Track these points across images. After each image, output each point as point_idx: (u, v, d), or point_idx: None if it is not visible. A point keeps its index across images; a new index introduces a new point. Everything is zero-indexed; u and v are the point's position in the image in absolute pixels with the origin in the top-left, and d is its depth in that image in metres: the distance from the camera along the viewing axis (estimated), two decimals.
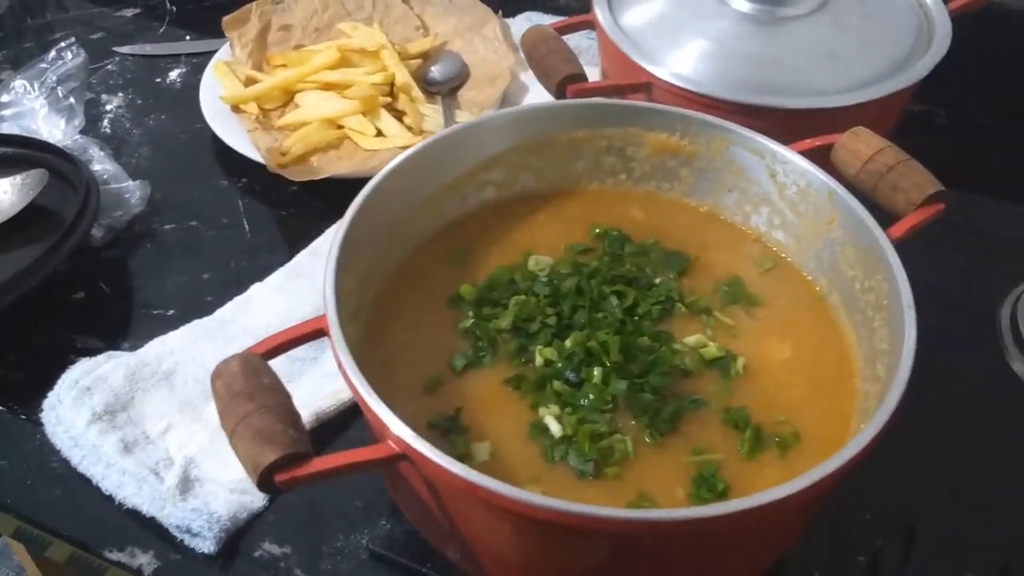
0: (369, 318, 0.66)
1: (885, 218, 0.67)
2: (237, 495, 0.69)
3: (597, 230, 0.74)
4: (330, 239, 0.62)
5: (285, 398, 0.52)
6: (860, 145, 0.69)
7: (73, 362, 0.78)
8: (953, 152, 1.04)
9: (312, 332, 0.57)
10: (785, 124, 0.77)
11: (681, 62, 0.80)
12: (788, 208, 0.71)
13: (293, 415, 0.51)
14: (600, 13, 0.84)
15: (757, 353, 0.66)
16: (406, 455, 0.51)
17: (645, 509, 0.54)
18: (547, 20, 1.17)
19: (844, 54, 0.80)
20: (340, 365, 0.54)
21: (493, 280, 0.69)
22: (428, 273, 0.70)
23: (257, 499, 0.69)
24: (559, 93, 0.79)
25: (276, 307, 0.83)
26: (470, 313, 0.67)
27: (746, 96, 0.77)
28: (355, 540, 0.68)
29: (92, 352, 0.80)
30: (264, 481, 0.49)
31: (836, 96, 0.77)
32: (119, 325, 0.85)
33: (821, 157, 0.71)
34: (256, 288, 0.86)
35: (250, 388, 0.51)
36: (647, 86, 0.80)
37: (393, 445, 0.51)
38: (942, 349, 0.74)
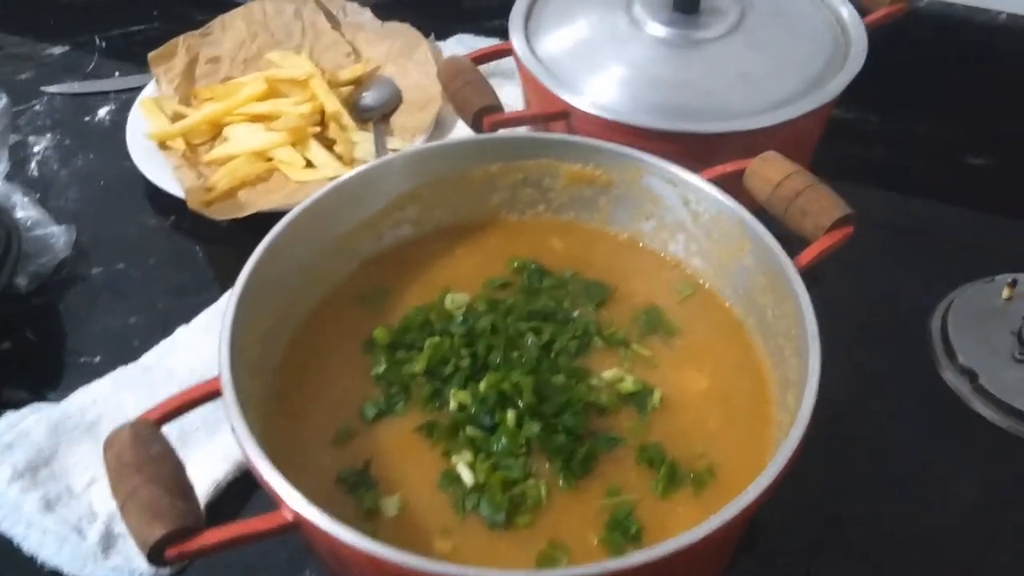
0: (278, 367, 0.65)
1: (800, 243, 0.66)
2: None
3: (516, 263, 0.73)
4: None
5: (175, 468, 0.50)
6: (769, 170, 0.68)
7: None
8: (886, 158, 1.04)
9: (207, 394, 0.55)
10: (702, 148, 0.76)
11: (598, 89, 0.79)
12: (703, 235, 0.70)
13: (183, 486, 0.50)
14: (516, 41, 0.83)
15: (675, 384, 0.65)
16: (298, 524, 0.49)
17: (541, 572, 0.52)
18: (479, 42, 1.15)
19: (759, 75, 0.78)
20: (233, 431, 0.52)
21: (407, 322, 0.68)
22: (342, 317, 0.69)
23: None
24: (475, 125, 0.77)
25: (201, 351, 0.81)
26: (383, 358, 0.66)
27: (662, 122, 0.76)
28: None
29: (18, 404, 0.78)
30: (154, 556, 0.48)
31: (751, 118, 0.76)
32: (45, 375, 0.83)
33: (735, 183, 0.70)
34: (181, 331, 0.84)
35: (138, 459, 0.50)
36: (565, 114, 0.78)
37: (286, 514, 0.49)
38: (874, 359, 0.74)
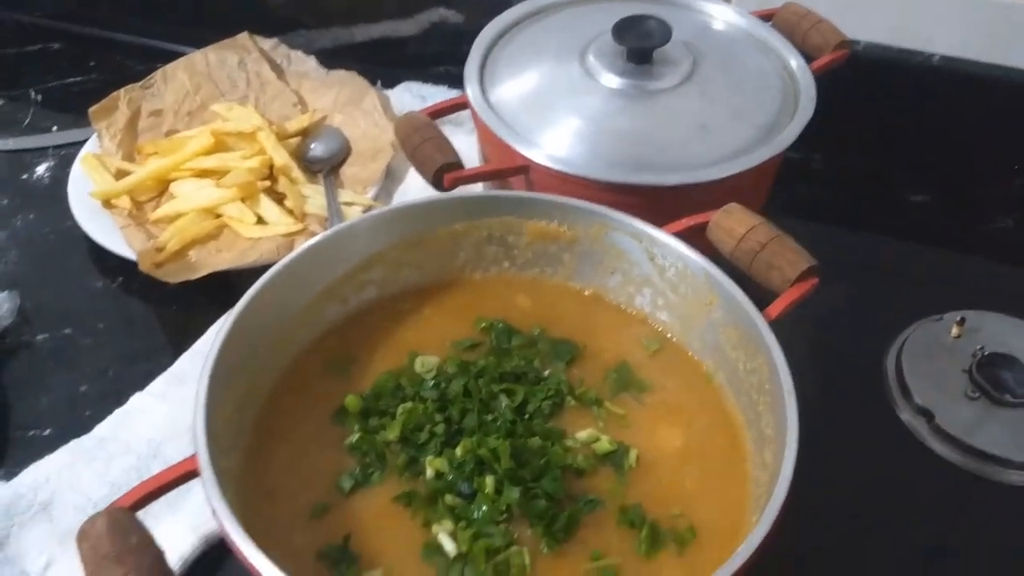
0: (250, 442, 0.64)
1: (766, 294, 0.67)
2: None
3: (483, 323, 0.73)
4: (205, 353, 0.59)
5: (155, 558, 0.49)
6: (733, 223, 0.69)
7: None
8: (831, 196, 1.07)
9: (183, 475, 0.54)
10: (661, 200, 0.78)
11: (556, 142, 0.80)
12: (669, 289, 0.71)
13: (165, 575, 0.48)
14: (472, 93, 0.84)
15: (649, 442, 0.66)
16: None
17: None
18: (427, 90, 1.16)
19: (714, 125, 0.80)
20: (214, 513, 0.51)
21: (378, 388, 0.67)
22: (310, 387, 0.68)
23: None
24: (436, 183, 0.78)
25: (157, 420, 0.80)
26: (356, 427, 0.65)
27: (620, 175, 0.77)
28: None
29: None
30: None
31: (708, 169, 0.77)
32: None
33: (699, 234, 0.71)
34: (136, 399, 0.83)
35: (117, 550, 0.49)
36: (524, 168, 0.79)
37: None
38: (830, 400, 0.76)
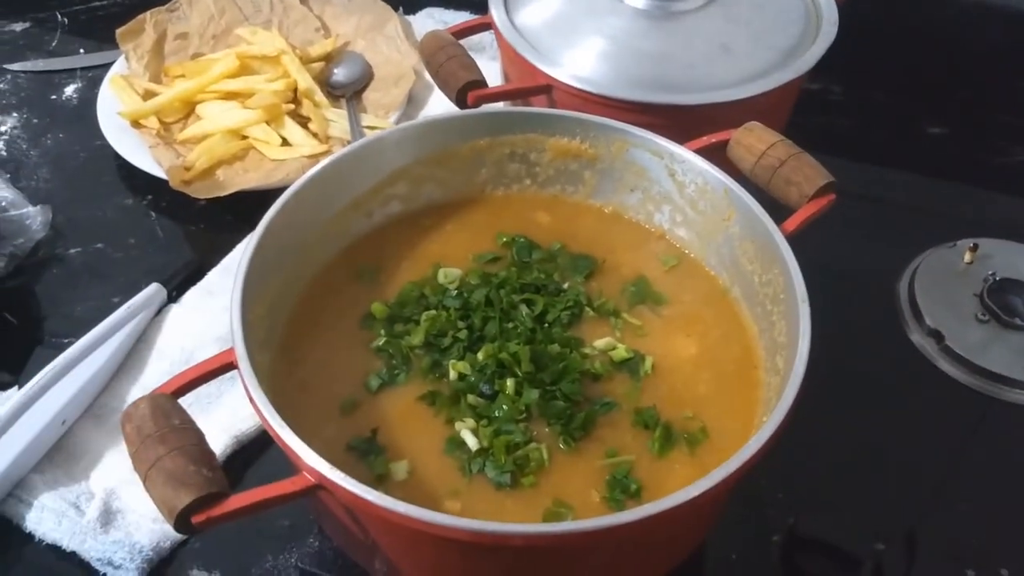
0: (281, 342, 0.67)
1: (783, 211, 0.69)
2: (160, 524, 0.69)
3: (504, 238, 0.75)
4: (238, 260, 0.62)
5: (197, 438, 0.52)
6: (753, 140, 0.71)
7: None
8: (849, 128, 1.08)
9: (222, 367, 0.57)
10: (682, 119, 0.79)
11: (579, 62, 0.81)
12: (688, 206, 0.73)
13: (206, 454, 0.52)
14: (496, 14, 0.85)
15: (664, 351, 0.68)
16: (322, 485, 0.51)
17: (550, 524, 0.55)
18: (448, 16, 1.17)
19: (736, 47, 0.81)
20: (252, 401, 0.54)
21: (403, 296, 0.70)
22: (339, 293, 0.70)
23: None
24: (460, 101, 0.79)
25: (190, 328, 0.83)
26: (382, 331, 0.68)
27: (642, 94, 0.78)
28: (284, 560, 0.69)
29: (1, 387, 0.79)
30: (180, 523, 0.50)
31: (730, 90, 0.79)
32: (26, 359, 0.83)
33: (719, 153, 0.73)
34: (169, 309, 0.85)
35: (160, 430, 0.51)
36: (547, 88, 0.81)
37: (309, 477, 0.52)
38: (843, 322, 0.78)
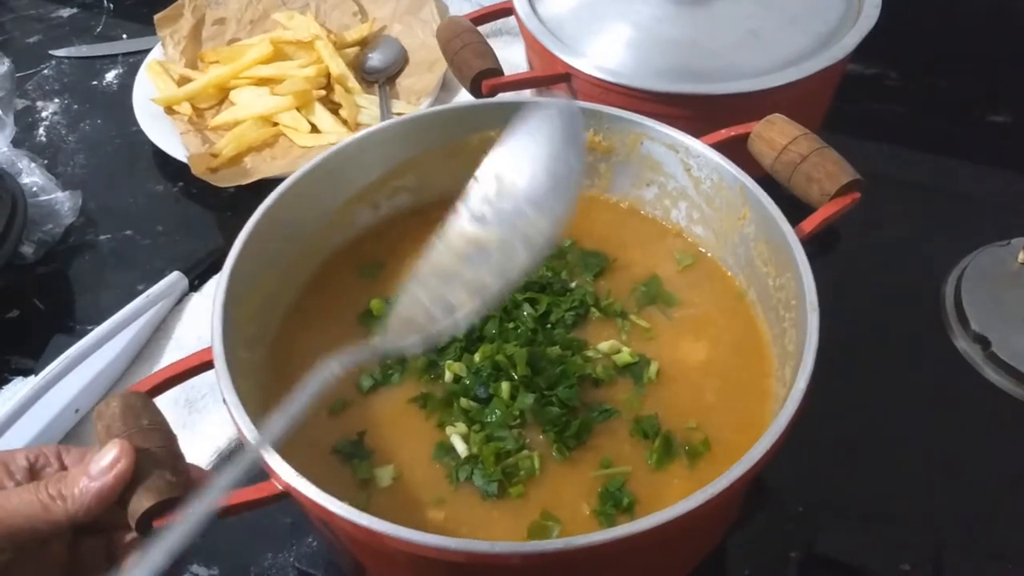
0: (276, 337, 0.66)
1: (807, 209, 0.65)
2: None
3: None
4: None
5: (165, 439, 0.52)
6: (775, 134, 0.67)
7: (8, 382, 0.79)
8: (904, 114, 1.02)
9: (200, 365, 0.56)
10: (709, 111, 0.76)
11: (601, 51, 0.78)
12: (705, 202, 0.69)
13: (172, 457, 0.51)
14: (518, 0, 0.82)
15: (672, 356, 0.65)
16: (288, 493, 0.50)
17: (516, 543, 0.51)
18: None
19: (768, 32, 0.77)
20: (224, 400, 0.53)
21: None
22: (339, 287, 0.69)
23: None
24: (474, 90, 0.77)
25: (208, 318, 0.82)
26: (379, 330, 0.66)
27: (666, 84, 0.75)
28: (283, 559, 0.68)
29: (26, 373, 0.80)
30: (142, 526, 0.49)
31: (759, 79, 0.75)
32: (54, 344, 0.84)
33: (742, 150, 0.68)
34: (189, 298, 0.85)
35: (128, 431, 0.51)
36: (566, 76, 0.78)
37: (276, 484, 0.50)
38: (886, 323, 0.73)
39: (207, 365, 0.56)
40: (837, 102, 0.88)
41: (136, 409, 0.52)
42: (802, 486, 0.69)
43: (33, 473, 0.53)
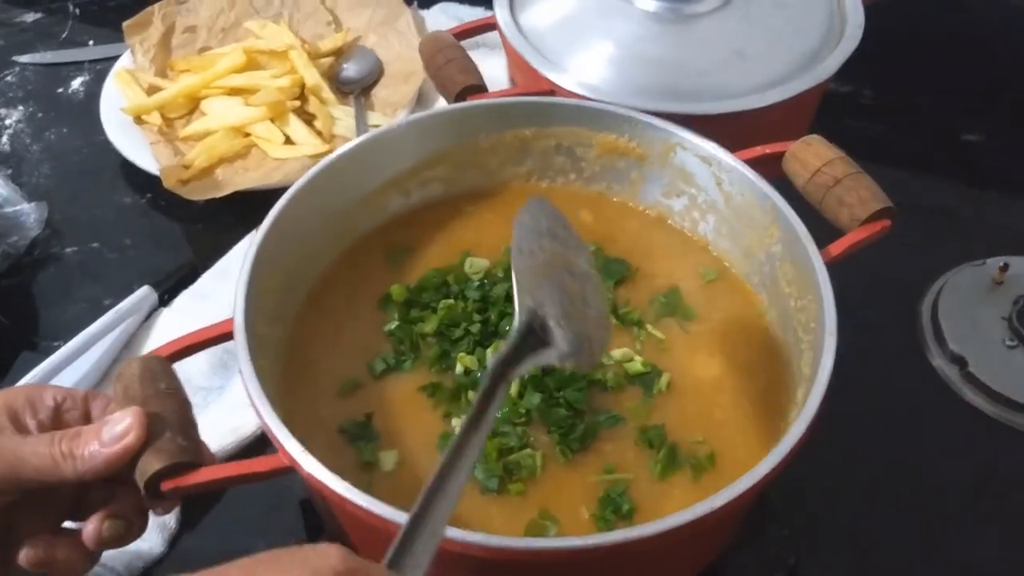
0: (298, 315, 0.75)
1: (834, 233, 0.74)
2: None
3: None
4: (241, 254, 0.68)
5: (180, 405, 0.62)
6: (810, 155, 0.76)
7: None
8: (879, 133, 1.06)
9: (222, 335, 0.66)
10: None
11: (585, 67, 0.88)
12: (734, 217, 0.81)
13: (185, 423, 0.60)
14: (500, 15, 0.89)
15: (684, 369, 0.77)
16: (293, 468, 0.58)
17: (523, 539, 0.57)
18: (463, 12, 1.23)
19: (752, 52, 0.86)
20: (241, 372, 0.62)
21: (424, 282, 0.82)
22: (364, 271, 0.82)
23: (155, 545, 0.74)
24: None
25: (180, 333, 0.80)
26: (396, 315, 0.76)
27: (645, 102, 0.81)
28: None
29: None
30: (150, 488, 0.57)
31: (743, 99, 0.82)
32: (21, 360, 0.88)
33: (774, 165, 0.77)
34: (159, 313, 0.83)
35: (145, 393, 0.60)
36: (549, 93, 0.86)
37: (283, 458, 0.59)
38: (863, 342, 0.75)
39: (227, 336, 0.66)
40: (814, 123, 0.89)
41: (155, 372, 0.62)
42: (789, 508, 0.69)
43: (57, 415, 0.62)
